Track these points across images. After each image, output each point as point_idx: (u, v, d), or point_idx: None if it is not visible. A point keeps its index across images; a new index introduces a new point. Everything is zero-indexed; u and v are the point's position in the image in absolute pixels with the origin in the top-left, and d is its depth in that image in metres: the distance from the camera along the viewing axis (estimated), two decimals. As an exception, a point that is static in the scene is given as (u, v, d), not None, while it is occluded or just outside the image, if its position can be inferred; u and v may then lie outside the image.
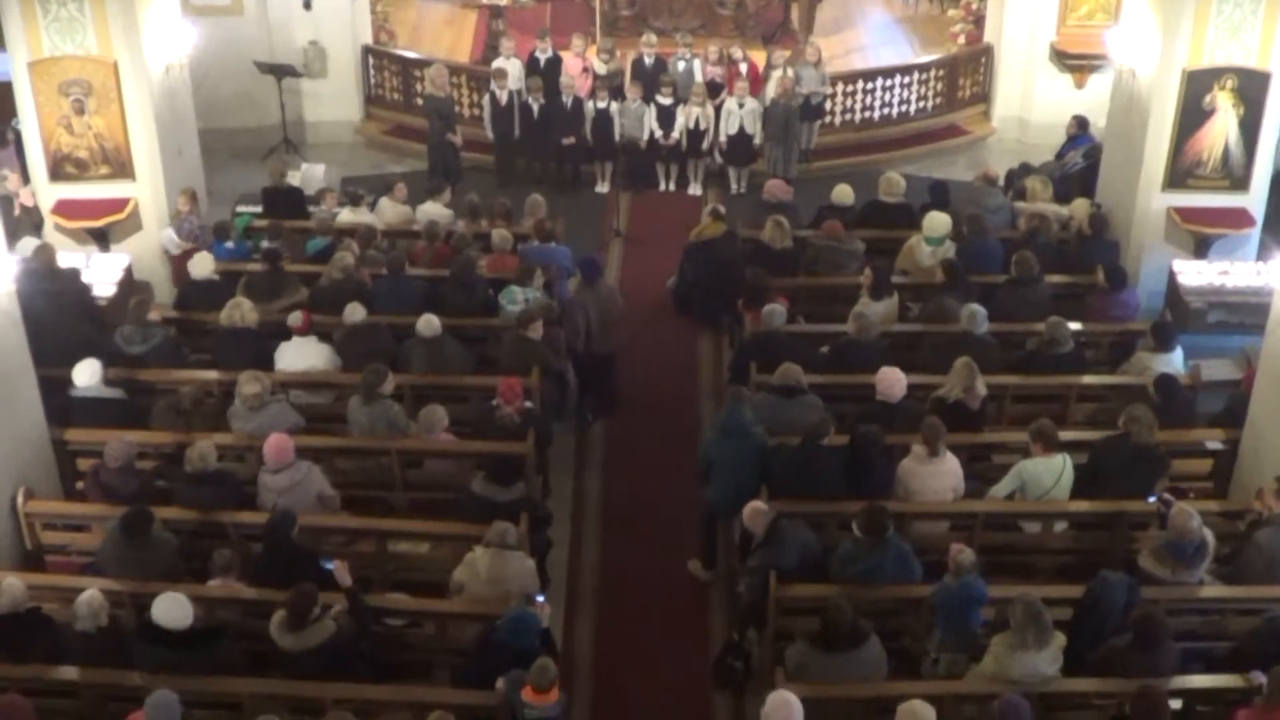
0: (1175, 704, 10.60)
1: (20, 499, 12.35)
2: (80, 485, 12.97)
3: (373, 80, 22.75)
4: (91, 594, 10.68)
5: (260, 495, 12.36)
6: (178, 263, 16.71)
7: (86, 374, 13.42)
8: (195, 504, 12.27)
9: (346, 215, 17.47)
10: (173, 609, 10.41)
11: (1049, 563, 12.59)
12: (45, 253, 15.24)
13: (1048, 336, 14.11)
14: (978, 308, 14.26)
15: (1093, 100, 20.43)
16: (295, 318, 14.33)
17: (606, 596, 13.37)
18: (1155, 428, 12.44)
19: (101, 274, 16.25)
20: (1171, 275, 16.56)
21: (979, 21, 22.99)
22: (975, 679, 10.57)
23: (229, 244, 16.74)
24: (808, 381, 13.37)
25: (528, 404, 13.48)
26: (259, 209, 18.17)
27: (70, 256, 16.07)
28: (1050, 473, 12.39)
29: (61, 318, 14.39)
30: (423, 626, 11.69)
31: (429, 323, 14.19)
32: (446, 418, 13.20)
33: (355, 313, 14.44)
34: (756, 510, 11.72)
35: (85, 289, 15.48)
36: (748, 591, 12.01)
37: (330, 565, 11.14)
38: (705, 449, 13.12)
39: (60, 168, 16.98)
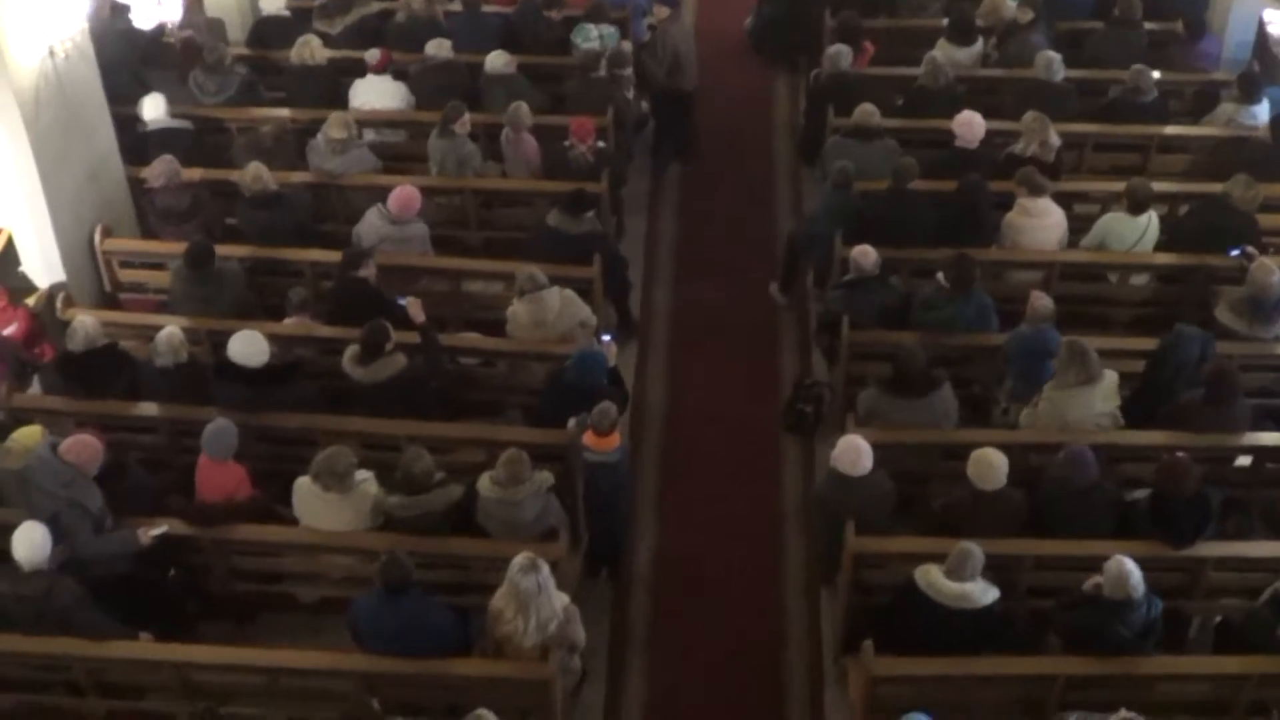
0: (1245, 460, 10.66)
1: (98, 237, 12.43)
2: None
3: None
4: (170, 330, 10.80)
5: (363, 236, 12.33)
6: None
7: (153, 107, 13.40)
8: (257, 229, 12.38)
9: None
10: (249, 346, 10.55)
11: (1126, 315, 12.52)
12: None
13: (1130, 85, 13.78)
14: (1054, 55, 13.93)
15: None
16: (373, 54, 14.18)
17: (678, 339, 13.40)
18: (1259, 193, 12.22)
19: (171, 12, 15.86)
20: (1261, 25, 15.95)
21: None
22: (1036, 423, 10.60)
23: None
24: (883, 126, 13.23)
25: (600, 144, 13.38)
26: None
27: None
28: (1134, 230, 12.22)
29: (134, 57, 14.27)
30: (495, 366, 11.78)
31: (495, 58, 14.03)
32: (531, 116, 13.20)
33: (440, 48, 14.22)
34: (867, 252, 11.56)
35: (159, 28, 15.23)
36: (819, 318, 12.32)
37: (403, 301, 11.20)
38: (810, 226, 13.03)
39: (124, -99, 16.59)
